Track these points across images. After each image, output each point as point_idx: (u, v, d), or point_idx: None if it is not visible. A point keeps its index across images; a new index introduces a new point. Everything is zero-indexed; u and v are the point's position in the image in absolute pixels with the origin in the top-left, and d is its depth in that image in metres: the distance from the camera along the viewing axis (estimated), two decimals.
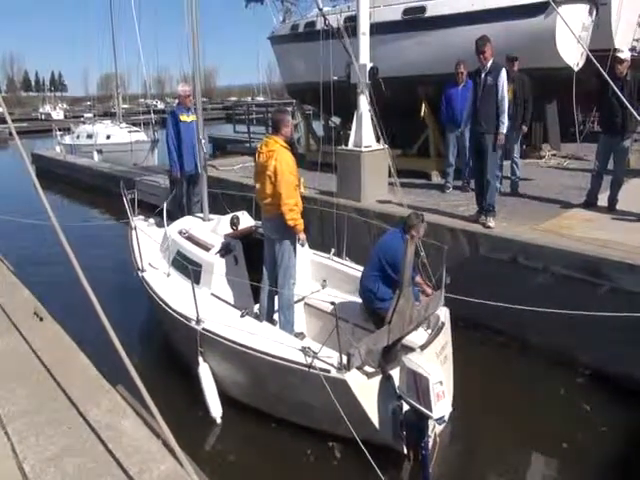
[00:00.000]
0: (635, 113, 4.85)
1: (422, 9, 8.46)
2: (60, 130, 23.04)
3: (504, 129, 5.71)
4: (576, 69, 7.91)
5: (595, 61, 4.25)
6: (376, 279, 4.28)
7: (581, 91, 8.04)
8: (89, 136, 20.74)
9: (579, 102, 8.41)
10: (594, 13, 8.21)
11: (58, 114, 53.33)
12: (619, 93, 4.46)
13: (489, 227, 5.73)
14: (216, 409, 4.20)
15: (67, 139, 21.94)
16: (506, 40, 7.02)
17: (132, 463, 2.26)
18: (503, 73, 5.63)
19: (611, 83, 4.51)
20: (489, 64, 5.65)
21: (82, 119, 29.83)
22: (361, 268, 4.92)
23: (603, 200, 6.35)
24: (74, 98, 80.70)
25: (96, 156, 18.93)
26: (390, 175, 6.71)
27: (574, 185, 7.39)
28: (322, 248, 5.66)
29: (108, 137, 20.47)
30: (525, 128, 7.58)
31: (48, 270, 7.12)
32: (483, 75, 5.70)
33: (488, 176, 5.85)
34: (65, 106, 65.27)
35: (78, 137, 21.55)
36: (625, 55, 5.89)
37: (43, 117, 52.64)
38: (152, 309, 5.41)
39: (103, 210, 12.60)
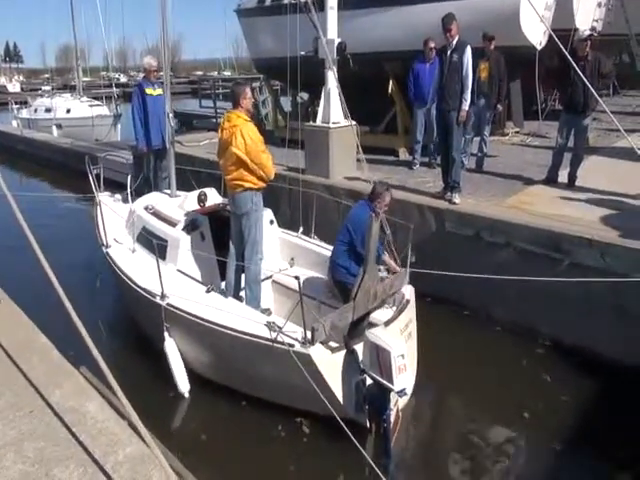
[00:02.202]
0: (595, 93, 4.97)
1: None
2: (17, 103, 22.08)
3: (467, 106, 5.75)
4: (539, 48, 8.00)
5: (557, 40, 4.31)
6: (348, 254, 4.27)
7: (543, 70, 8.16)
8: (47, 110, 19.93)
9: (541, 81, 8.53)
10: None
11: (14, 86, 50.88)
12: (580, 73, 4.54)
13: (454, 203, 5.82)
14: (184, 384, 4.21)
15: (24, 113, 21.07)
16: (472, 18, 7.02)
17: (97, 446, 2.23)
18: (468, 50, 5.64)
19: (572, 63, 4.58)
20: (455, 41, 5.65)
21: (40, 92, 28.55)
22: (329, 246, 4.94)
23: (563, 177, 6.51)
24: (31, 70, 77.30)
25: (55, 131, 18.22)
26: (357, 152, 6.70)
27: (536, 162, 7.55)
28: (290, 226, 5.65)
29: (68, 111, 19.71)
30: (500, 107, 7.66)
31: (5, 248, 6.87)
32: (449, 52, 5.71)
33: (453, 153, 5.91)
34: (22, 78, 62.50)
35: (36, 111, 20.73)
36: (585, 35, 5.98)
37: None
38: (117, 286, 5.33)
39: (64, 187, 12.20)
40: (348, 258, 4.28)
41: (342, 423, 3.15)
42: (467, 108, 5.77)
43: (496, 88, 7.26)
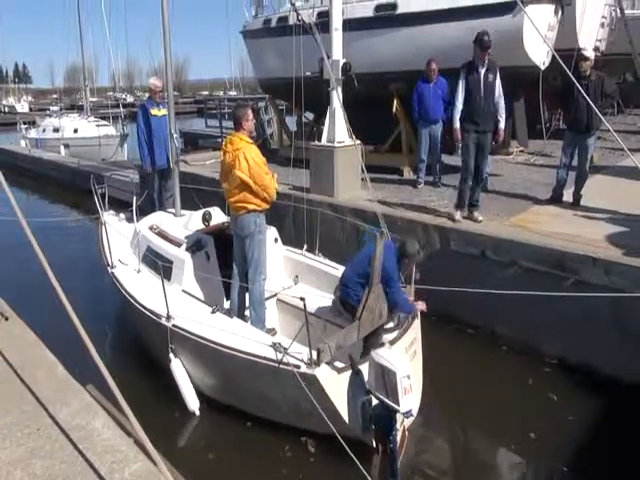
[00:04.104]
0: (599, 112, 5.01)
1: (393, 6, 8.51)
2: (25, 123, 22.41)
3: (503, 124, 5.79)
4: (542, 68, 8.09)
5: (560, 60, 4.35)
6: (361, 285, 4.05)
7: (547, 89, 8.23)
8: (55, 130, 20.20)
9: (545, 100, 8.60)
10: (559, 13, 8.40)
11: (23, 107, 51.73)
12: (583, 92, 4.58)
13: (480, 221, 5.85)
14: (193, 402, 4.21)
15: (32, 133, 21.36)
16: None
17: (103, 463, 2.23)
18: (497, 69, 5.69)
19: (575, 82, 4.63)
20: (487, 60, 5.62)
21: (48, 112, 28.99)
22: (333, 264, 4.94)
23: (568, 196, 6.52)
24: (39, 90, 78.47)
25: (63, 150, 18.48)
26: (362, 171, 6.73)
27: (541, 181, 7.58)
28: (295, 244, 5.67)
29: (75, 131, 19.99)
30: None
31: (14, 267, 6.93)
32: (483, 72, 5.63)
33: (485, 173, 5.97)
34: (30, 98, 63.45)
35: (44, 131, 21.00)
36: (589, 54, 6.06)
37: (7, 110, 51.02)
38: (123, 306, 5.34)
39: (71, 206, 12.33)
40: (360, 289, 4.04)
41: (345, 445, 3.10)
42: (503, 126, 5.79)
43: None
